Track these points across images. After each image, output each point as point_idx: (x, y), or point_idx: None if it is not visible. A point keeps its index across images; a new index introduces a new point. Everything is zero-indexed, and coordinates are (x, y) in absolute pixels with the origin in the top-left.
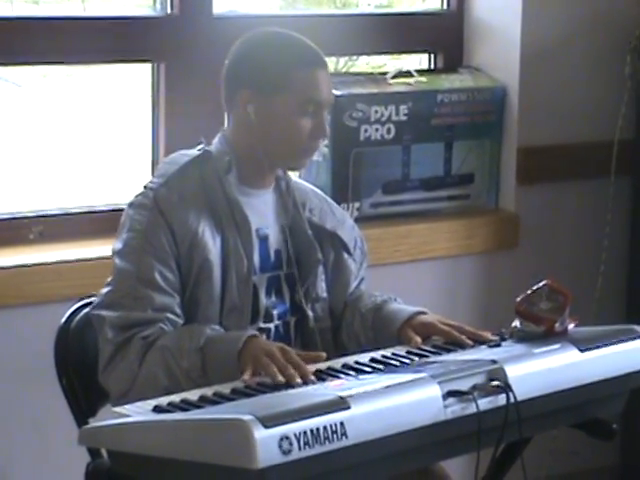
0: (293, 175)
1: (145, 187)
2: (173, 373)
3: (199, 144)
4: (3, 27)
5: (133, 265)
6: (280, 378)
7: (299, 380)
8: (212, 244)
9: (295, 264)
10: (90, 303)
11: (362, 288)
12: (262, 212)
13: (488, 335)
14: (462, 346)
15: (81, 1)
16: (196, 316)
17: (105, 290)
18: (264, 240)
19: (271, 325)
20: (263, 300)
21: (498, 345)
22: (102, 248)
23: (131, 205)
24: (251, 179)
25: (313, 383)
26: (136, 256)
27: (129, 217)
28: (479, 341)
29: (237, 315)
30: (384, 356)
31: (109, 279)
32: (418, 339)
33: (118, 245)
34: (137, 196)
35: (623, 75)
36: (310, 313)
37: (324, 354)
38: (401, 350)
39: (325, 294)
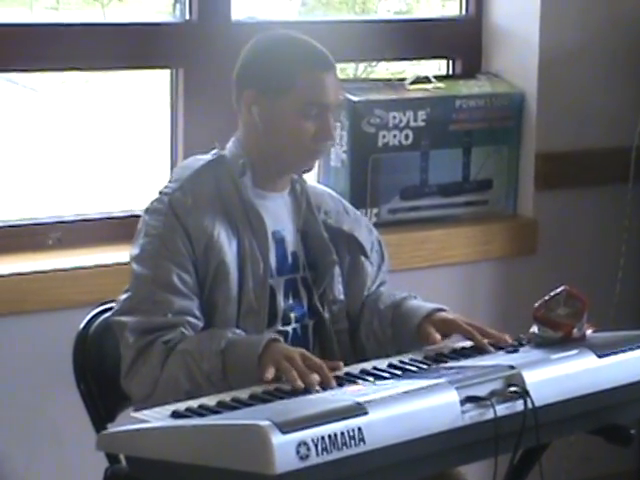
0: (309, 179)
1: (160, 192)
2: (194, 376)
3: (213, 149)
4: (23, 33)
5: (151, 270)
6: (299, 383)
7: (318, 388)
8: (228, 247)
9: (311, 267)
10: (109, 309)
11: (382, 290)
12: (278, 215)
13: (507, 339)
14: (483, 350)
15: (101, 7)
16: (214, 318)
17: (124, 297)
18: (281, 243)
19: (289, 328)
20: (281, 303)
21: (516, 351)
22: (120, 254)
23: (147, 211)
24: (265, 182)
25: (332, 389)
26: (153, 261)
27: (145, 223)
28: (499, 346)
29: (254, 317)
30: (402, 362)
31: (128, 285)
32: (437, 336)
33: (135, 251)
34: (152, 202)
35: None
36: (327, 315)
37: (341, 363)
38: (419, 355)
39: (342, 296)
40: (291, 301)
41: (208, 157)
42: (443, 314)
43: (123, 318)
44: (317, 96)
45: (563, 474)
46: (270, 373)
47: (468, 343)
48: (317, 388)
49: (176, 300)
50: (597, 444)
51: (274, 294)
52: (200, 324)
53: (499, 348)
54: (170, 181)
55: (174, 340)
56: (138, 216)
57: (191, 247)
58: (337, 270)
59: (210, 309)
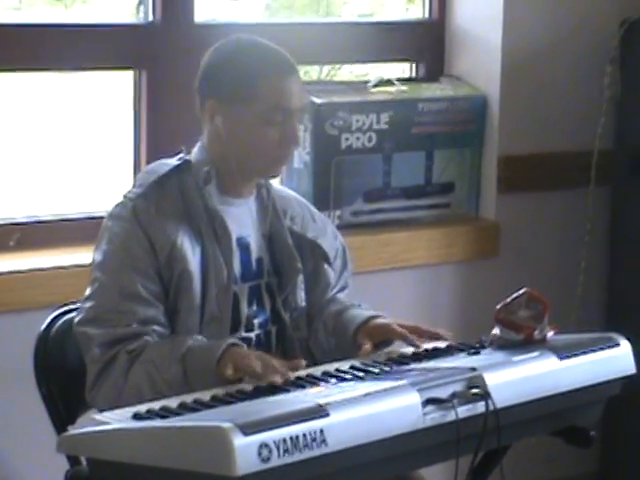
0: (276, 182)
1: (124, 197)
2: (156, 385)
3: (179, 153)
4: None
5: (115, 279)
6: (259, 370)
7: (278, 378)
8: (191, 255)
9: (276, 272)
10: (70, 310)
11: (339, 296)
12: (243, 221)
13: (444, 333)
14: (417, 347)
15: (64, 8)
16: (176, 326)
17: (88, 305)
18: (245, 249)
19: (252, 334)
20: (244, 309)
21: (477, 352)
22: (82, 255)
23: (110, 216)
24: (230, 189)
25: (292, 385)
26: (117, 269)
27: (108, 228)
28: (436, 338)
29: (217, 325)
30: (364, 363)
31: (89, 291)
32: (368, 346)
33: (98, 257)
34: (116, 206)
35: (602, 85)
36: (288, 322)
37: (303, 361)
38: (381, 357)
39: (304, 303)
40: (255, 307)
41: (174, 162)
42: (377, 321)
43: (88, 330)
44: (280, 102)
45: (525, 476)
46: (230, 369)
47: (408, 349)
48: (277, 378)
49: (141, 310)
50: (559, 446)
51: (237, 301)
52: (166, 331)
53: (437, 339)
54: (134, 186)
55: (138, 349)
56: (100, 218)
57: (154, 255)
58: (300, 277)
59: (172, 316)
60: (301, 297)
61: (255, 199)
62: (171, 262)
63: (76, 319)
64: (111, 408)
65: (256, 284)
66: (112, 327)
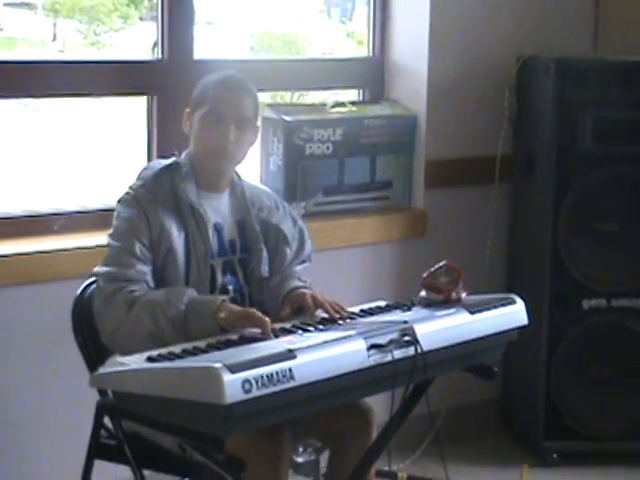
0: (255, 180)
1: (129, 187)
2: (158, 320)
3: (172, 155)
4: (35, 68)
5: (120, 242)
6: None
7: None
8: (177, 235)
9: (246, 250)
10: None
11: (296, 268)
12: (220, 210)
13: (342, 312)
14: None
15: (97, 50)
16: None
17: (102, 262)
18: (221, 232)
19: (227, 297)
20: (219, 278)
21: (409, 309)
22: None
23: (119, 202)
24: (206, 185)
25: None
26: (122, 236)
27: (117, 211)
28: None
29: (198, 289)
30: (324, 318)
31: (105, 256)
32: (285, 311)
33: (110, 231)
34: (123, 195)
35: (503, 106)
36: (253, 288)
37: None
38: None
39: (267, 274)
40: (229, 277)
41: (167, 162)
42: (298, 291)
43: (98, 270)
44: (215, 106)
45: (445, 402)
46: (224, 314)
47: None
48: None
49: (138, 263)
50: (470, 379)
51: (214, 271)
52: (152, 287)
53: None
54: (137, 179)
55: (138, 292)
56: None
57: (149, 230)
58: (264, 254)
59: (161, 283)
60: (265, 269)
61: (229, 194)
62: (160, 239)
63: (94, 272)
64: (111, 334)
65: (229, 259)
66: (115, 266)
